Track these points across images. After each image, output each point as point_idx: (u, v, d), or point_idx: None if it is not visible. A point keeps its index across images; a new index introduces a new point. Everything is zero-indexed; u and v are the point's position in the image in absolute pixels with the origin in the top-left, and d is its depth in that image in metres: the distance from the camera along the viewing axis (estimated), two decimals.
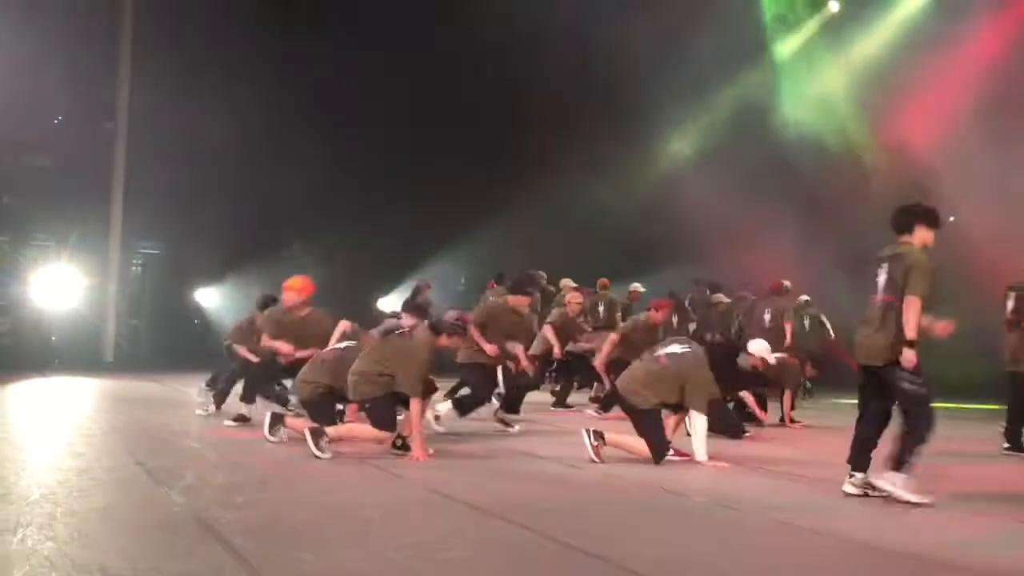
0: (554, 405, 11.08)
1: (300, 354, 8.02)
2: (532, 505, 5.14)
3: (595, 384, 11.66)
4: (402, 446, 6.78)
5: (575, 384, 11.66)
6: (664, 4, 16.06)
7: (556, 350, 10.46)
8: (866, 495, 5.49)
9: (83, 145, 17.93)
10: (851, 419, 5.87)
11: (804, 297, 12.95)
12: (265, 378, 8.66)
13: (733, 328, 12.83)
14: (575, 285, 12.97)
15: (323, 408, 7.22)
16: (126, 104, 17.91)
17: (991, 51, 14.96)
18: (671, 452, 6.66)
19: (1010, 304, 8.33)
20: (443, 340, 6.88)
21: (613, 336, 10.26)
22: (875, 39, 17.22)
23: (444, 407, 8.40)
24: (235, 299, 17.80)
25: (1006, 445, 8.17)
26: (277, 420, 7.37)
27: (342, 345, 7.59)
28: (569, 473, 6.40)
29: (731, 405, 9.11)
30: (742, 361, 7.83)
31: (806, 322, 12.77)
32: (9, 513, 4.43)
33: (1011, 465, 7.68)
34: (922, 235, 5.62)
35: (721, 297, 13.43)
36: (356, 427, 6.95)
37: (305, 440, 6.49)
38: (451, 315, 7.15)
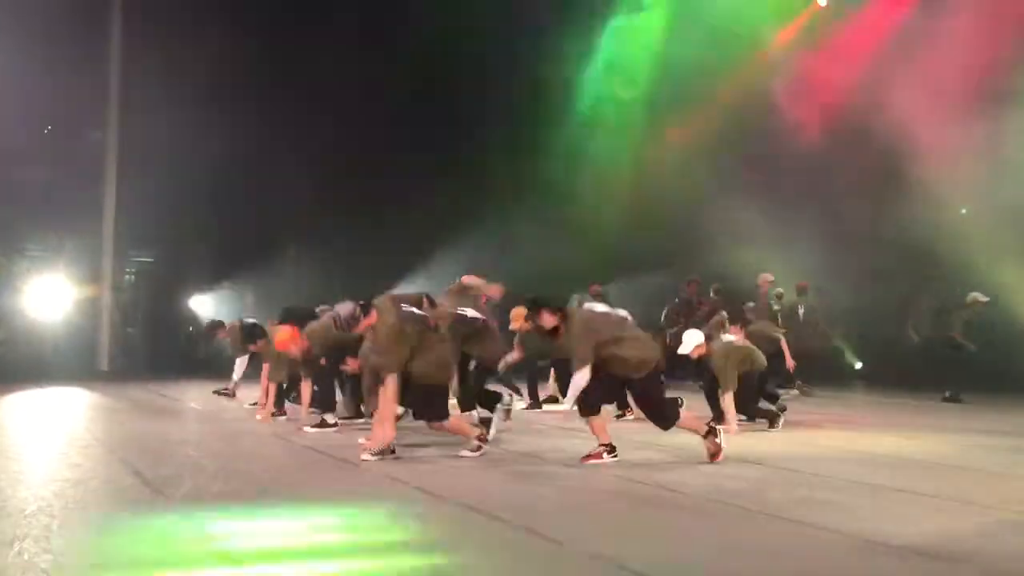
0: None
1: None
2: (533, 506, 5.12)
3: None
4: None
5: None
6: None
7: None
8: None
9: (75, 155, 17.89)
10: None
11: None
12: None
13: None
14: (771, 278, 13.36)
15: None
16: (116, 113, 17.85)
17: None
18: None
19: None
20: None
21: None
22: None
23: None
24: (229, 306, 17.76)
25: None
26: None
27: None
28: (569, 473, 6.37)
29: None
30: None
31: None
32: (5, 526, 4.39)
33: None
34: None
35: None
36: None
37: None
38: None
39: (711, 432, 6.77)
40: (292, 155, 17.36)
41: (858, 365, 16.71)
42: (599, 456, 6.64)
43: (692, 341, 8.96)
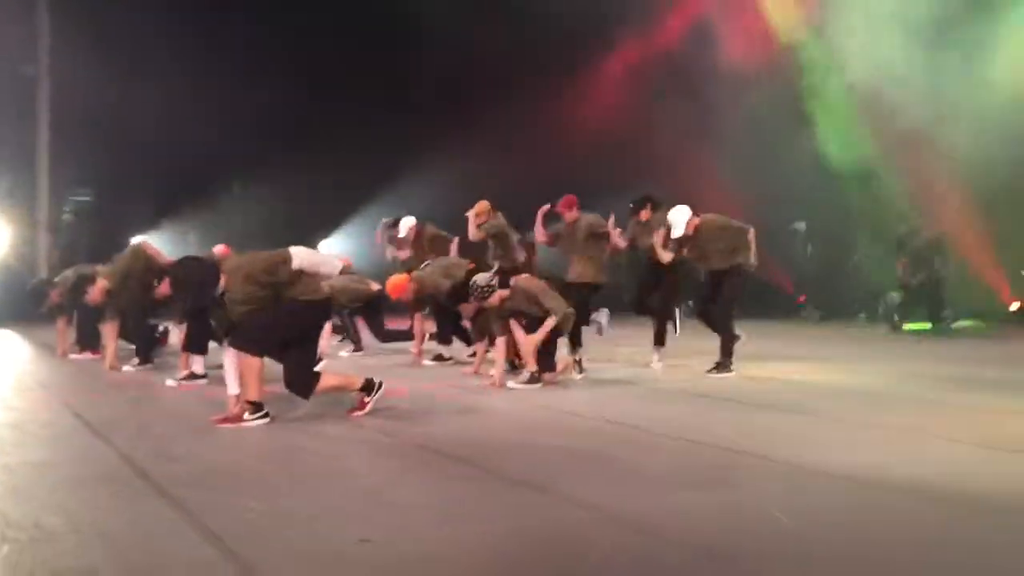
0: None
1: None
2: (478, 443, 5.13)
3: None
4: None
5: None
6: None
7: None
8: None
9: (4, 92, 17.32)
10: None
11: None
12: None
13: None
14: None
15: None
16: (47, 47, 17.27)
17: None
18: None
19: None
20: None
21: None
22: None
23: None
24: (172, 245, 17.45)
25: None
26: None
27: None
28: (516, 411, 6.41)
29: None
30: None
31: None
32: None
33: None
34: None
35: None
36: None
37: None
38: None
39: (367, 387, 6.06)
40: (236, 88, 16.98)
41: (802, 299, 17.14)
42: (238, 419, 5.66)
43: (683, 217, 8.40)
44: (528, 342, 7.41)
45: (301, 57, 17.97)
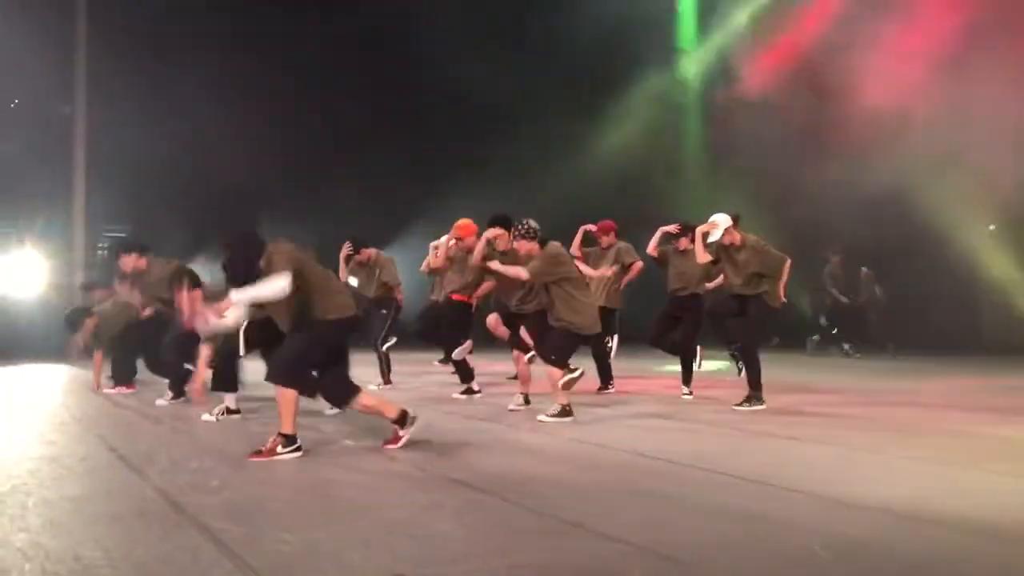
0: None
1: None
2: (509, 477, 5.13)
3: None
4: None
5: None
6: None
7: None
8: None
9: (43, 128, 17.68)
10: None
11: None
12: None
13: None
14: None
15: None
16: (84, 86, 17.61)
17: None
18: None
19: None
20: None
21: None
22: None
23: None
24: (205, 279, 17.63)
25: None
26: None
27: None
28: (546, 444, 6.41)
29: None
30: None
31: None
32: None
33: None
34: None
35: None
36: None
37: None
38: None
39: (400, 419, 6.06)
40: (268, 124, 17.23)
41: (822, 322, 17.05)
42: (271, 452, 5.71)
43: (724, 223, 8.10)
44: (555, 376, 7.40)
45: (330, 93, 18.18)
